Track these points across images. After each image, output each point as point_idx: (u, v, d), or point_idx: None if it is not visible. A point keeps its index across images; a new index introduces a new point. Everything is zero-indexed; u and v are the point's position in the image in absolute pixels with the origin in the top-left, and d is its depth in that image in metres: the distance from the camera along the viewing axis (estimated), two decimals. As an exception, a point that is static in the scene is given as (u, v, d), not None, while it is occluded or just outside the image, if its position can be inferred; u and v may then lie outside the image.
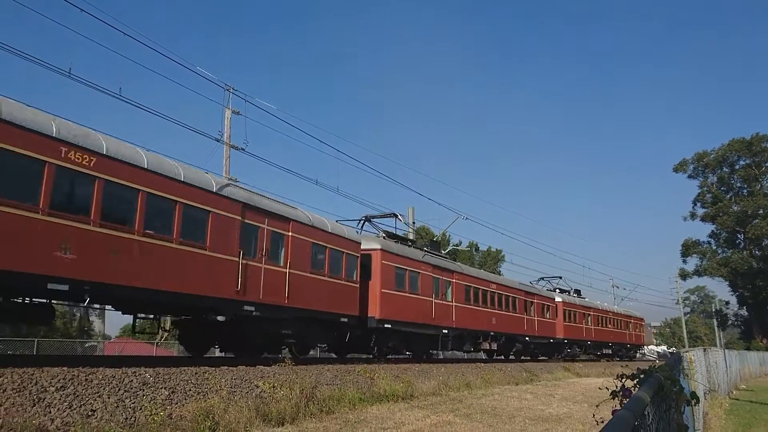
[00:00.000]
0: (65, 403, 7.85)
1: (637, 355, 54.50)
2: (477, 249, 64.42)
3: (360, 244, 18.61)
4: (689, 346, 54.26)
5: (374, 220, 22.75)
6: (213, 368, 11.33)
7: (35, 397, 7.68)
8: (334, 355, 20.87)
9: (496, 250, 66.37)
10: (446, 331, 22.97)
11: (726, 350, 27.14)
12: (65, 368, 8.72)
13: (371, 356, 19.71)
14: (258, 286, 14.04)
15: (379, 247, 19.39)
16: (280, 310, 14.72)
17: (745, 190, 66.89)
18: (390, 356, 20.51)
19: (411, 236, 28.56)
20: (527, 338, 31.23)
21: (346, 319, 17.22)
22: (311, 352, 19.46)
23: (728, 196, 68.05)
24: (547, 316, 34.08)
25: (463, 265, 28.59)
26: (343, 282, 17.25)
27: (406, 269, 20.59)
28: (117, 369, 9.39)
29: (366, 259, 18.85)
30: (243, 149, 22.77)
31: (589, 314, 39.62)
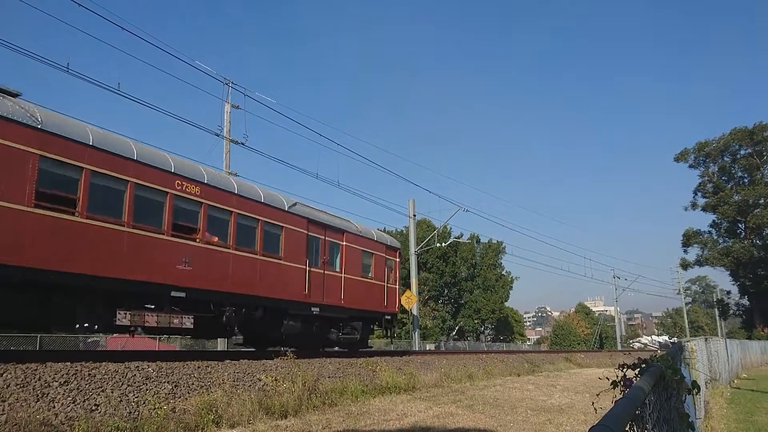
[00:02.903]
0: (69, 398, 7.89)
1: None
2: (478, 241, 64.56)
3: None
4: (690, 336, 54.25)
5: None
6: (216, 362, 11.38)
7: (39, 392, 7.71)
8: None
9: (497, 241, 66.48)
10: None
11: (727, 339, 27.16)
12: (68, 363, 8.76)
13: None
14: None
15: None
16: None
17: (746, 180, 66.77)
18: None
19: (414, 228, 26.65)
20: None
21: None
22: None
23: (729, 185, 67.91)
24: None
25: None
26: None
27: None
28: (120, 364, 9.43)
29: None
30: (243, 143, 22.79)
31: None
